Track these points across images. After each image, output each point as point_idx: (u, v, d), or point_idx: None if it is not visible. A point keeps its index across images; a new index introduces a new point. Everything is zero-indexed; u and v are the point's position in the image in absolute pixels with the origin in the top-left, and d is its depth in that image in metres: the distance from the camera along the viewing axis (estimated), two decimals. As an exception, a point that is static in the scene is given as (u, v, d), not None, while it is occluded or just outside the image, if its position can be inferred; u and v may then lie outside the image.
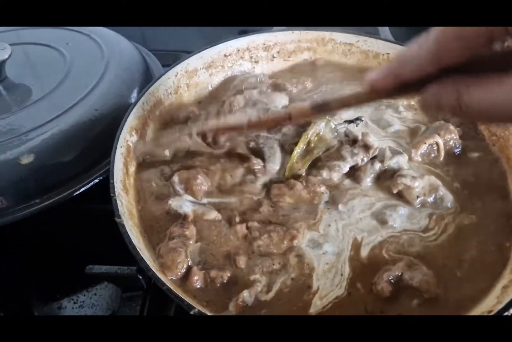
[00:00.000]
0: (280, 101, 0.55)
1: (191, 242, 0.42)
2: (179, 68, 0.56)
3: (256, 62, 0.61)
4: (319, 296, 0.39)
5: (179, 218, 0.44)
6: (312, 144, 0.47)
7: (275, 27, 0.62)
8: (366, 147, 0.46)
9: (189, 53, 0.75)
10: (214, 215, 0.44)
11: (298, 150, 0.46)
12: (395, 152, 0.47)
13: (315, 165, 0.47)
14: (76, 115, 0.53)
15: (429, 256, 0.41)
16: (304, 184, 0.46)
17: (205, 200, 0.46)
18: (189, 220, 0.43)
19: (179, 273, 0.41)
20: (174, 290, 0.37)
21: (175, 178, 0.46)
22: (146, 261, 0.38)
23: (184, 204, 0.44)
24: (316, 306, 0.39)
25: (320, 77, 0.60)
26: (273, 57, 0.61)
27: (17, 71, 0.61)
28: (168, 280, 0.40)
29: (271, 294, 0.40)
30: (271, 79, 0.58)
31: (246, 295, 0.39)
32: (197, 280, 0.40)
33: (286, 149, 0.48)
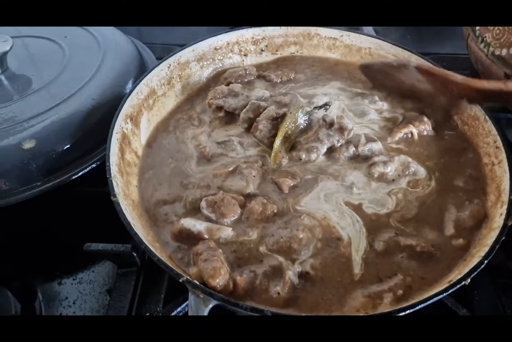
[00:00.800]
0: (262, 94, 0.59)
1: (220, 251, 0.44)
2: (172, 60, 0.59)
3: (245, 55, 0.65)
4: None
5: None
6: (289, 132, 0.50)
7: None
8: (341, 129, 0.50)
9: (179, 46, 0.79)
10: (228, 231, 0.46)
11: (278, 142, 0.50)
12: (369, 140, 0.51)
13: (295, 148, 0.51)
14: (75, 104, 0.57)
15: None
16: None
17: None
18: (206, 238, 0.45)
19: (223, 279, 0.40)
20: (164, 260, 0.40)
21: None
22: (140, 236, 0.42)
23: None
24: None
25: (303, 70, 0.64)
26: (262, 50, 0.65)
27: (18, 63, 0.64)
28: (163, 255, 0.43)
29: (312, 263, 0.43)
30: (257, 71, 0.62)
31: (290, 274, 0.41)
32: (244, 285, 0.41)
33: (266, 144, 0.51)
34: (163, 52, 0.78)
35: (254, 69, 0.62)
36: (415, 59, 0.59)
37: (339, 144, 0.50)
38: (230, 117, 0.58)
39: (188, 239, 0.45)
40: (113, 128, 0.50)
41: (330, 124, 0.50)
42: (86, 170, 0.55)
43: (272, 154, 0.51)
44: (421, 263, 0.43)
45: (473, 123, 0.53)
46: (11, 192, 0.53)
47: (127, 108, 0.53)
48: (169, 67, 0.59)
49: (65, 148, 0.55)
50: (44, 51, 0.67)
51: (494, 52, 0.56)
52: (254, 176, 0.48)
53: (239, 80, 0.62)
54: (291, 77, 0.61)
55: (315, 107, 0.53)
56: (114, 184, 0.46)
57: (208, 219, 0.46)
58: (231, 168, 0.50)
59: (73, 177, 0.54)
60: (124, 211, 0.44)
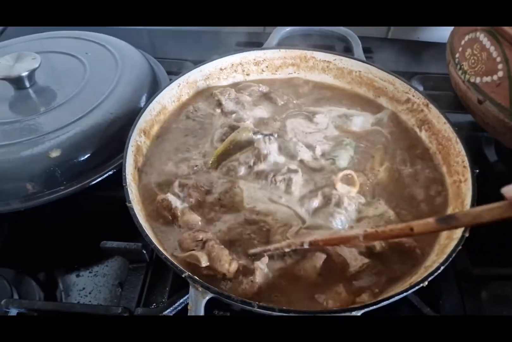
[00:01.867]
0: (260, 114, 0.66)
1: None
2: (182, 80, 0.66)
3: (248, 74, 0.72)
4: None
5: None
6: (230, 147, 0.60)
7: (265, 44, 0.73)
8: (258, 154, 0.58)
9: (189, 61, 0.86)
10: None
11: (218, 151, 0.60)
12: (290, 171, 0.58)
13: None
14: (95, 118, 0.64)
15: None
16: None
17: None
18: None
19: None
20: (170, 258, 0.48)
21: None
22: (150, 237, 0.49)
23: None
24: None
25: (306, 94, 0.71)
26: (262, 71, 0.71)
27: (44, 77, 0.71)
28: (168, 254, 0.50)
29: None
30: (265, 89, 0.69)
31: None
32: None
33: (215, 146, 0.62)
34: (172, 67, 0.86)
35: (267, 89, 0.69)
36: (399, 84, 0.65)
37: (255, 166, 0.58)
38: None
39: (165, 211, 0.54)
40: (128, 142, 0.57)
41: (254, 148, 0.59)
42: (104, 176, 0.62)
43: (212, 158, 0.60)
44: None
45: (446, 143, 0.60)
46: (38, 195, 0.60)
47: (141, 123, 0.60)
48: (179, 86, 0.66)
49: (86, 157, 0.62)
50: (67, 67, 0.74)
51: (470, 79, 0.62)
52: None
53: (248, 94, 0.69)
54: (294, 101, 0.68)
55: (260, 133, 0.60)
56: (129, 191, 0.53)
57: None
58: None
59: (93, 183, 0.62)
60: (137, 215, 0.51)
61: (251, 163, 0.58)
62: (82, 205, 0.64)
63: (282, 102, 0.68)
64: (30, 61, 0.69)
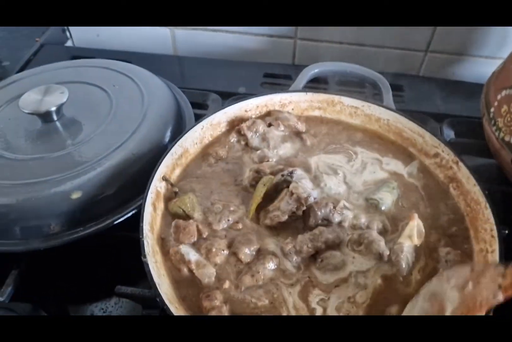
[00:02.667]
0: (285, 152, 0.65)
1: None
2: (205, 122, 0.66)
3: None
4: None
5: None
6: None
7: (292, 86, 0.71)
8: (298, 198, 0.55)
9: (214, 92, 0.85)
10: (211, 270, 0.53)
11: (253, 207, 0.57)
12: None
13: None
14: (117, 158, 0.64)
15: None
16: None
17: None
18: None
19: None
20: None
21: None
22: (163, 295, 0.49)
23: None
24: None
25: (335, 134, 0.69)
26: (288, 113, 0.70)
27: (71, 109, 0.71)
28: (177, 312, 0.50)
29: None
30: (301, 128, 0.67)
31: None
32: None
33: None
34: (198, 97, 0.86)
35: (304, 129, 0.68)
36: (428, 137, 0.63)
37: (299, 211, 0.56)
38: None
39: (180, 264, 0.53)
40: (148, 189, 0.57)
41: (291, 193, 0.56)
42: (124, 218, 0.62)
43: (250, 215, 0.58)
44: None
45: (475, 206, 0.57)
46: (58, 235, 0.61)
47: (162, 168, 0.60)
48: (202, 128, 0.65)
49: (106, 198, 0.62)
50: (94, 99, 0.74)
51: (504, 138, 0.59)
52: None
53: (283, 128, 0.67)
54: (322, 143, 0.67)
55: (282, 174, 0.59)
56: (145, 243, 0.53)
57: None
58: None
59: (112, 224, 0.62)
60: (152, 270, 0.51)
61: (294, 209, 0.56)
62: (101, 245, 0.64)
63: (309, 142, 0.67)
64: (58, 95, 0.69)
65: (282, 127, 0.67)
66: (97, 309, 0.64)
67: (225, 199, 0.58)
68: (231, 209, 0.57)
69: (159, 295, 0.48)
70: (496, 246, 0.51)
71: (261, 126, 0.67)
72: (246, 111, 0.69)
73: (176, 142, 0.62)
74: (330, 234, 0.54)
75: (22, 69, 0.92)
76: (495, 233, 0.52)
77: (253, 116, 0.69)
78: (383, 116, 0.67)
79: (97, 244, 0.64)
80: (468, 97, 0.80)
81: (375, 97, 0.74)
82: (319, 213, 0.55)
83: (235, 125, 0.68)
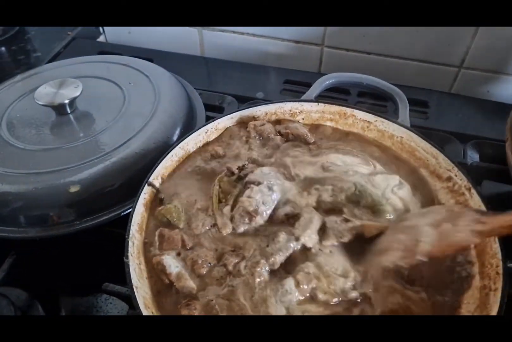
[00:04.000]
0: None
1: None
2: (210, 126, 0.64)
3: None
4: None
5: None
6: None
7: (304, 95, 0.69)
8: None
9: (233, 95, 0.84)
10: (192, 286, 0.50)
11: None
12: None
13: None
14: (119, 156, 0.64)
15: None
16: None
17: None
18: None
19: None
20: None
21: None
22: (138, 300, 0.48)
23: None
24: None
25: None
26: (298, 122, 0.68)
27: (85, 103, 0.72)
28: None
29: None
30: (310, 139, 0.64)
31: None
32: None
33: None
34: (215, 100, 0.85)
35: (312, 140, 0.65)
36: (442, 159, 0.59)
37: (253, 223, 0.54)
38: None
39: (161, 274, 0.51)
40: (141, 190, 0.56)
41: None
42: (121, 215, 0.62)
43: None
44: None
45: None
46: (54, 226, 0.62)
47: (159, 169, 0.59)
48: (206, 132, 0.64)
49: (102, 194, 0.62)
50: (109, 95, 0.75)
51: (525, 166, 0.54)
52: None
53: (291, 137, 0.65)
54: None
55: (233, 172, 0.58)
56: (130, 244, 0.52)
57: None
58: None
59: (108, 220, 0.62)
60: (132, 272, 0.50)
61: (248, 222, 0.53)
62: (96, 240, 0.65)
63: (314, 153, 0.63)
64: (73, 89, 0.70)
65: (291, 137, 0.65)
66: (88, 303, 0.64)
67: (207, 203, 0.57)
68: (209, 213, 0.55)
69: (135, 298, 0.48)
70: (499, 284, 0.47)
71: (268, 132, 0.64)
72: (254, 117, 0.67)
73: (177, 144, 0.62)
74: None
75: (52, 60, 0.95)
76: (500, 270, 0.48)
77: (260, 124, 0.67)
78: (396, 133, 0.63)
79: (92, 238, 0.64)
80: (499, 118, 0.74)
81: (396, 112, 0.71)
82: None
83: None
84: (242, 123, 0.67)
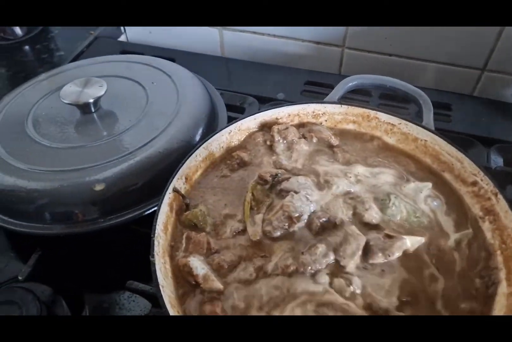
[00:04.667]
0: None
1: None
2: (233, 127, 0.65)
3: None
4: None
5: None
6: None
7: (328, 97, 0.69)
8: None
9: (253, 96, 0.85)
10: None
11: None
12: None
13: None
14: (143, 155, 0.65)
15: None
16: None
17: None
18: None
19: None
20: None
21: None
22: (164, 299, 0.48)
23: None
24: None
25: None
26: (321, 124, 0.68)
27: (109, 102, 0.73)
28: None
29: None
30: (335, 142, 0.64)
31: None
32: None
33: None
34: (236, 100, 0.85)
35: (337, 143, 0.65)
36: (467, 163, 0.59)
37: (291, 229, 0.53)
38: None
39: (188, 276, 0.51)
40: (166, 189, 0.57)
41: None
42: (145, 214, 0.63)
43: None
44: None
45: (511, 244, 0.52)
46: (78, 224, 0.63)
47: (184, 169, 0.60)
48: (229, 132, 0.65)
49: (127, 193, 0.63)
50: (132, 94, 0.76)
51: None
52: None
53: (315, 142, 0.65)
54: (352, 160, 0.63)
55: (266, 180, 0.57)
56: (156, 243, 0.53)
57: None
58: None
59: (132, 219, 0.63)
60: (158, 271, 0.50)
61: (286, 227, 0.55)
62: (120, 238, 0.65)
63: (340, 157, 0.63)
64: (97, 88, 0.71)
65: (315, 140, 0.65)
66: (110, 300, 0.65)
67: (235, 210, 0.57)
68: (238, 218, 0.56)
69: (161, 296, 0.48)
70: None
71: (292, 135, 0.65)
72: (277, 118, 0.67)
73: (201, 145, 0.62)
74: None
75: (75, 59, 0.96)
76: (529, 276, 0.48)
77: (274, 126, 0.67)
78: (420, 137, 0.63)
79: (116, 236, 0.65)
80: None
81: (419, 114, 0.70)
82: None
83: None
84: (264, 127, 0.67)
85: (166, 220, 0.57)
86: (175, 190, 0.58)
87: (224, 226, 0.55)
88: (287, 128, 0.65)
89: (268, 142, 0.64)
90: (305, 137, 0.66)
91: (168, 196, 0.57)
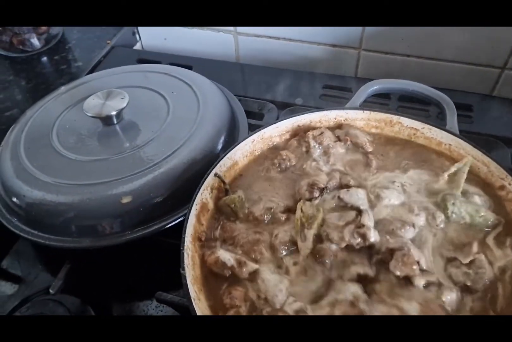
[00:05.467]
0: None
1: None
2: (256, 136, 0.65)
3: (327, 132, 0.68)
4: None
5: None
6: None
7: (349, 103, 0.69)
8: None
9: (271, 101, 0.85)
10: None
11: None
12: None
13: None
14: (168, 166, 0.65)
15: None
16: None
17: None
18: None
19: None
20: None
21: None
22: (196, 311, 0.49)
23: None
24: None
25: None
26: (360, 130, 0.66)
27: (131, 113, 0.74)
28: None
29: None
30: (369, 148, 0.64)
31: None
32: None
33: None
34: (254, 106, 0.85)
35: (371, 149, 0.65)
36: (494, 167, 0.58)
37: (357, 246, 0.53)
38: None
39: (222, 269, 0.53)
40: (193, 201, 0.57)
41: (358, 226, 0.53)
42: (169, 226, 0.64)
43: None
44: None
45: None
46: (107, 236, 0.64)
47: (209, 180, 0.60)
48: (252, 142, 0.65)
49: (153, 204, 0.64)
50: (153, 105, 0.76)
51: None
52: None
53: (350, 145, 0.65)
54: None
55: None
56: (185, 255, 0.53)
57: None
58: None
59: (159, 230, 0.63)
60: (189, 284, 0.51)
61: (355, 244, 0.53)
62: (148, 249, 0.66)
63: (375, 165, 0.63)
64: (119, 100, 0.72)
65: (349, 143, 0.65)
66: (139, 310, 0.66)
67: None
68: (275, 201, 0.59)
69: (193, 309, 0.49)
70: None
71: (328, 140, 0.65)
72: (299, 126, 0.67)
73: (225, 155, 0.62)
74: None
75: (93, 69, 0.97)
76: None
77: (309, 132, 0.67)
78: (444, 141, 0.63)
79: (143, 247, 0.66)
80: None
81: (439, 116, 0.70)
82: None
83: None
84: (296, 135, 0.68)
85: (194, 232, 0.58)
86: (217, 175, 0.60)
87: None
88: (322, 133, 0.65)
89: (304, 149, 0.65)
90: (340, 140, 0.66)
91: (195, 207, 0.58)
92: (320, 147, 0.65)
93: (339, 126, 0.67)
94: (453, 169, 0.59)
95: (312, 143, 0.64)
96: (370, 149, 0.64)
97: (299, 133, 0.67)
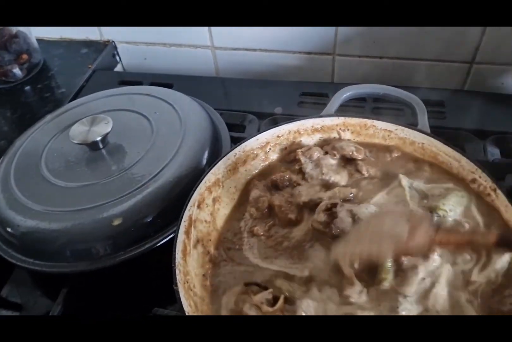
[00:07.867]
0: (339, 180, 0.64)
1: None
2: (238, 149, 0.67)
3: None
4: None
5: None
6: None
7: (324, 110, 0.71)
8: None
9: (252, 112, 0.87)
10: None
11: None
12: None
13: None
14: (155, 186, 0.67)
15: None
16: None
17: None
18: None
19: None
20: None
21: None
22: (192, 325, 0.51)
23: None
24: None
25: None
26: (347, 141, 0.69)
27: (116, 136, 0.75)
28: None
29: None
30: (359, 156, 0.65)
31: None
32: None
33: None
34: (236, 119, 0.88)
35: (361, 157, 0.66)
36: (465, 162, 0.60)
37: None
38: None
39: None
40: (181, 218, 0.59)
41: None
42: (160, 243, 0.66)
43: None
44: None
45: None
46: (101, 259, 0.65)
47: (195, 196, 0.62)
48: (235, 155, 0.67)
49: (145, 224, 0.66)
50: (137, 126, 0.78)
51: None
52: None
53: (339, 156, 0.66)
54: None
55: None
56: (177, 271, 0.55)
57: None
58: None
59: (151, 248, 0.65)
60: (182, 298, 0.53)
61: None
62: (143, 266, 0.68)
63: (366, 174, 0.64)
64: (104, 125, 0.74)
65: (338, 155, 0.67)
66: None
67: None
68: None
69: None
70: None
71: (316, 153, 0.66)
72: (278, 136, 0.69)
73: (209, 171, 0.64)
74: None
75: (76, 95, 1.00)
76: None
77: (284, 142, 0.70)
78: (417, 140, 0.65)
79: (138, 265, 0.68)
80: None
81: (414, 117, 0.72)
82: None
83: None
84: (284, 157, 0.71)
85: (184, 248, 0.59)
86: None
87: None
88: (310, 149, 0.67)
89: (297, 167, 0.66)
90: (327, 154, 0.67)
91: (184, 224, 0.60)
92: (311, 160, 0.66)
93: (326, 142, 0.69)
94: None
95: (303, 159, 0.66)
96: (360, 157, 0.66)
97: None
